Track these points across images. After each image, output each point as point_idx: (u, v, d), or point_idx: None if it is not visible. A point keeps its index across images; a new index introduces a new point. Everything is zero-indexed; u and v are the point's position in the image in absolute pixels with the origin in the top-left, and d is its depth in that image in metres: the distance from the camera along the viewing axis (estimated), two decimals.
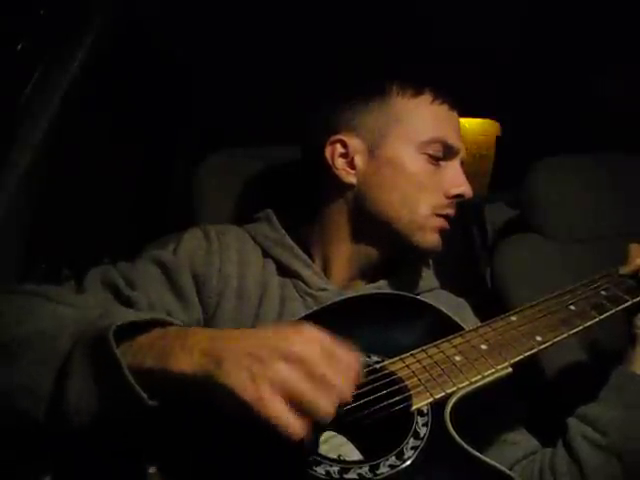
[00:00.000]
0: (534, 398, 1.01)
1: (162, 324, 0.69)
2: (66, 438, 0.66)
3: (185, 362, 0.63)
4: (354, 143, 1.00)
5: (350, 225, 1.02)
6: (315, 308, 0.91)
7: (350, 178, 1.00)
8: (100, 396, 0.64)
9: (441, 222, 0.99)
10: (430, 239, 0.99)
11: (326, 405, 0.60)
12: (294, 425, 0.59)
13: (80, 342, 0.66)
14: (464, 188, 1.00)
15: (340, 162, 1.00)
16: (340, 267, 1.02)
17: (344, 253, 1.02)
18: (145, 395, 0.63)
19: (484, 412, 0.83)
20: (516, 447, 0.92)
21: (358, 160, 0.99)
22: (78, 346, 0.66)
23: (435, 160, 0.99)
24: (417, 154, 0.98)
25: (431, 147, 0.98)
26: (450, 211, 1.00)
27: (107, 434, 0.65)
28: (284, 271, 0.99)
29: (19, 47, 1.02)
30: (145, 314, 0.70)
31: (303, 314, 0.88)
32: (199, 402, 0.64)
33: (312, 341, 0.63)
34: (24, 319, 0.72)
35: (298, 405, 0.60)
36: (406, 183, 0.98)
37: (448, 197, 0.99)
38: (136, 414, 0.64)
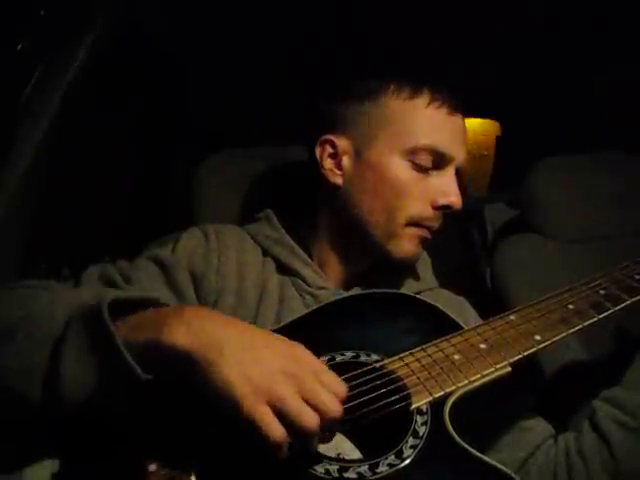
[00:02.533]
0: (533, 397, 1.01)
1: (158, 306, 0.69)
2: (66, 434, 0.65)
3: (181, 333, 0.62)
4: (343, 144, 0.98)
5: (339, 227, 1.01)
6: (314, 307, 0.90)
7: (336, 179, 0.98)
8: (93, 370, 0.63)
9: (419, 231, 0.96)
10: (405, 248, 0.96)
11: (311, 425, 0.61)
12: (281, 437, 0.60)
13: (74, 317, 0.66)
14: (453, 199, 0.95)
15: (328, 162, 0.99)
16: (334, 269, 1.02)
17: (336, 255, 1.02)
18: (137, 367, 0.62)
19: (489, 407, 0.83)
20: (534, 432, 0.90)
21: (345, 161, 0.98)
22: (72, 321, 0.66)
23: (423, 169, 0.94)
24: (402, 160, 0.94)
25: (419, 155, 0.94)
26: (433, 223, 0.96)
27: (104, 422, 0.64)
28: (283, 270, 0.99)
29: (19, 47, 1.03)
30: (141, 293, 0.70)
31: (302, 312, 0.88)
32: (195, 395, 0.63)
33: (305, 361, 0.65)
34: (21, 305, 0.72)
35: (286, 419, 0.61)
36: (388, 190, 0.94)
37: (434, 207, 0.95)
38: (130, 391, 0.63)
